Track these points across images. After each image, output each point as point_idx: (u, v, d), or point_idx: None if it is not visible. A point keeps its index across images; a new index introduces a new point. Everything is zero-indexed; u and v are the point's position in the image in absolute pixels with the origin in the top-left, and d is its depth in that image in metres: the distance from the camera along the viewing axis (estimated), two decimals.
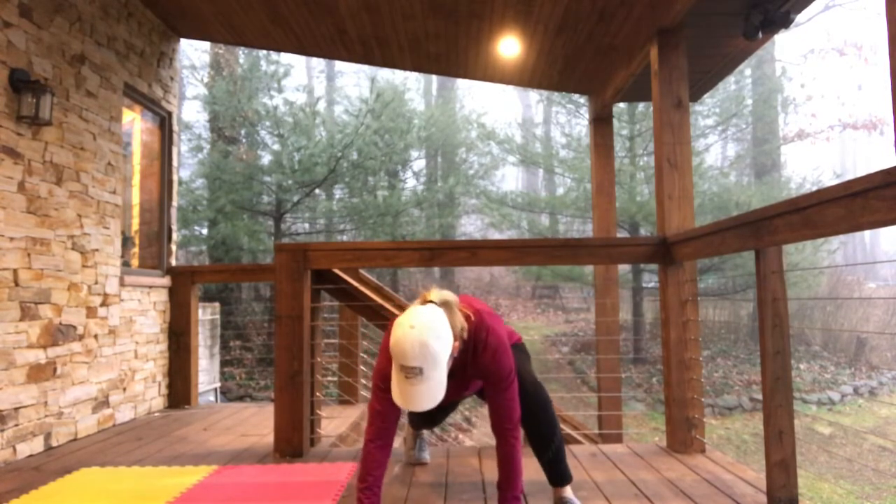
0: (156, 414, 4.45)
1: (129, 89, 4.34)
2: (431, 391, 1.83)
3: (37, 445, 3.29)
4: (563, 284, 15.13)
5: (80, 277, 3.70)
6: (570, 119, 13.86)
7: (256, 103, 10.72)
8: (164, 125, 4.89)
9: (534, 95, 21.33)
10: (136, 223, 4.66)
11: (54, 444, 3.43)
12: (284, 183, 10.26)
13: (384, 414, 2.06)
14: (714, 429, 8.94)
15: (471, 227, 18.92)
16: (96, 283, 3.87)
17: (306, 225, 12.61)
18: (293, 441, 3.14)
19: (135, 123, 4.68)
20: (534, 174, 21.72)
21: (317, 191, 11.14)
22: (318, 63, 20.93)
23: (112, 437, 3.67)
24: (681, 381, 3.08)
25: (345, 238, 12.38)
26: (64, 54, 3.61)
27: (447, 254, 3.26)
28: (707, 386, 9.96)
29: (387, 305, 3.65)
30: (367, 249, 3.28)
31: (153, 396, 4.52)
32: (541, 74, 5.01)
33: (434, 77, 18.45)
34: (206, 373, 6.20)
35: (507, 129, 14.04)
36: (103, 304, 3.93)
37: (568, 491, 2.32)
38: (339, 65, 20.53)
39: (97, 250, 3.88)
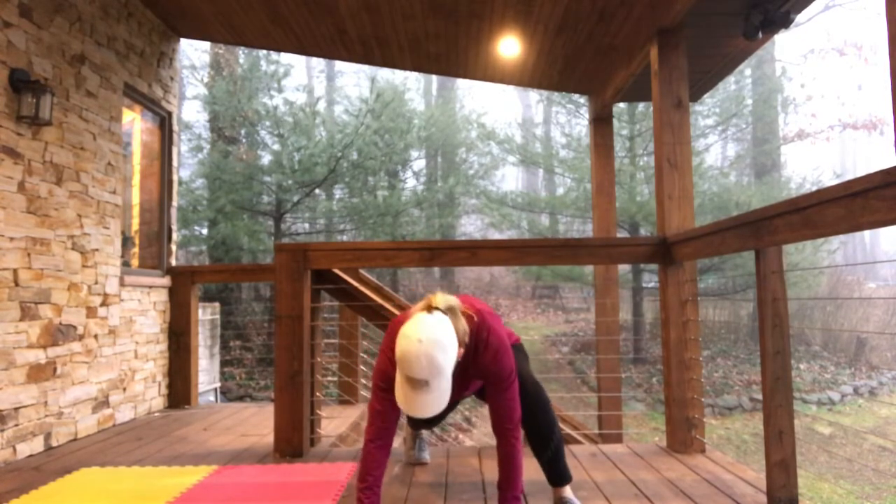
0: (156, 414, 4.45)
1: (129, 89, 4.34)
2: (436, 400, 1.85)
3: (37, 445, 3.29)
4: (563, 284, 15.13)
5: (80, 277, 3.70)
6: (570, 119, 13.86)
7: (256, 103, 10.72)
8: (164, 125, 4.89)
9: (534, 95, 21.33)
10: (136, 223, 4.66)
11: (54, 444, 3.43)
12: (284, 183, 10.27)
13: (384, 414, 2.06)
14: (714, 429, 8.94)
15: (471, 227, 18.92)
16: (96, 283, 3.87)
17: (306, 225, 12.61)
18: (293, 441, 3.14)
19: (135, 123, 4.68)
20: (534, 174, 21.72)
21: (317, 191, 11.14)
22: (318, 63, 20.93)
23: (112, 437, 3.67)
24: (681, 381, 3.08)
25: (345, 238, 12.38)
26: (64, 54, 3.61)
27: (447, 254, 3.26)
28: (707, 386, 9.96)
29: (387, 305, 3.65)
30: (367, 249, 3.28)
31: (153, 396, 4.52)
32: (541, 74, 5.01)
33: (434, 77, 18.45)
34: (206, 373, 6.20)
35: (507, 129, 14.04)
36: (103, 304, 3.93)
37: (568, 491, 2.32)
38: (339, 65, 20.54)
39: (97, 250, 3.88)
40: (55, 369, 3.45)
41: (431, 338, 1.82)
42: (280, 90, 10.99)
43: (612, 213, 4.81)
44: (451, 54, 4.78)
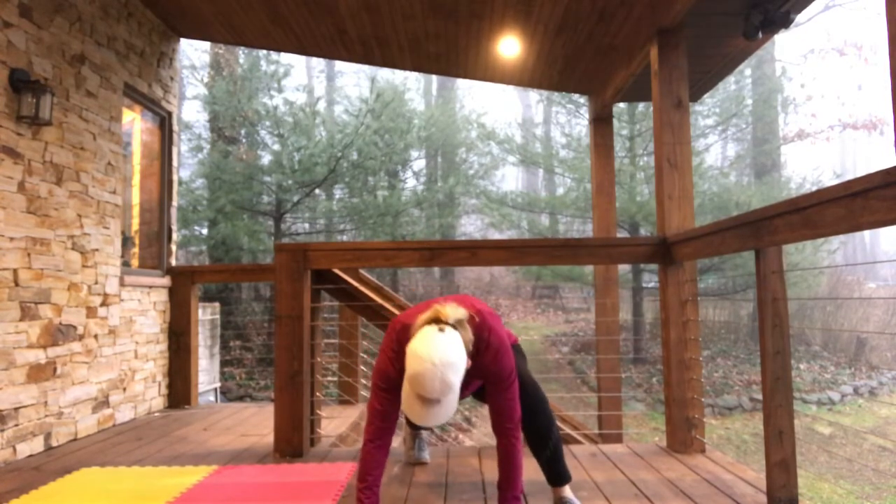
0: (156, 414, 4.45)
1: (129, 89, 4.34)
2: (446, 412, 1.87)
3: (37, 445, 3.29)
4: (563, 284, 15.14)
5: (80, 277, 3.70)
6: (570, 119, 13.86)
7: (256, 103, 10.72)
8: (164, 125, 4.89)
9: (534, 95, 21.33)
10: (136, 223, 4.66)
11: (54, 444, 3.43)
12: (284, 183, 10.27)
13: (384, 414, 2.06)
14: (714, 429, 8.94)
15: (471, 227, 18.92)
16: (96, 283, 3.87)
17: (306, 225, 12.62)
18: (293, 441, 3.14)
19: (135, 123, 4.68)
20: (534, 174, 21.72)
21: (317, 191, 11.14)
22: (318, 63, 20.93)
23: (112, 437, 3.67)
24: (681, 381, 3.08)
25: (345, 238, 12.38)
26: (64, 54, 3.61)
27: (447, 254, 3.26)
28: (707, 386, 9.96)
29: (387, 305, 3.65)
30: (367, 249, 3.28)
31: (153, 396, 4.52)
32: (541, 74, 5.01)
33: (434, 77, 18.45)
34: (206, 373, 6.20)
35: (507, 129, 14.04)
36: (103, 304, 3.93)
37: (567, 491, 2.32)
38: (339, 65, 20.54)
39: (97, 250, 3.88)
40: (55, 369, 3.45)
41: (446, 361, 1.82)
42: (280, 90, 10.99)
43: (612, 213, 4.81)
44: (451, 54, 4.78)
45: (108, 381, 3.97)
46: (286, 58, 11.21)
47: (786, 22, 3.37)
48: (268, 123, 10.93)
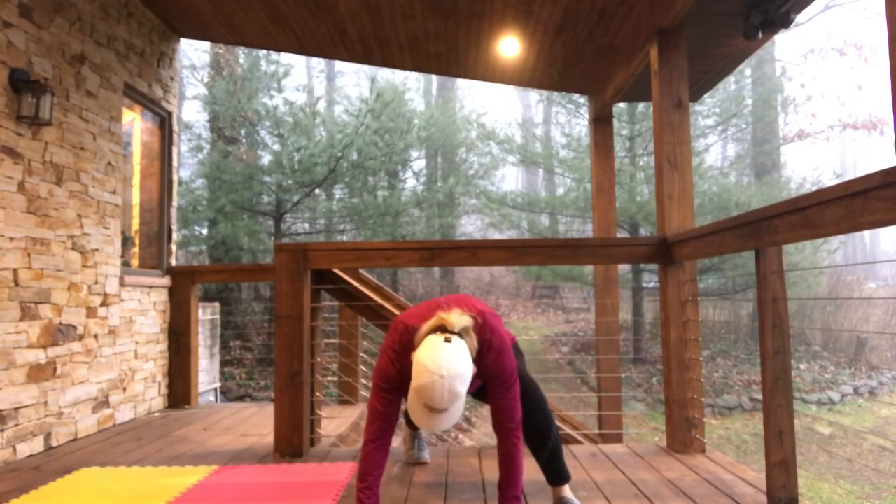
0: (156, 414, 4.45)
1: (129, 89, 4.34)
2: (452, 418, 1.89)
3: (37, 445, 3.29)
4: (563, 284, 15.13)
5: (80, 277, 3.70)
6: (570, 119, 13.87)
7: (256, 103, 10.72)
8: (164, 125, 4.89)
9: (534, 95, 21.33)
10: (136, 223, 4.66)
11: (54, 444, 3.43)
12: (284, 183, 10.27)
13: (384, 414, 2.06)
14: (714, 429, 8.94)
15: (471, 227, 18.92)
16: (96, 283, 3.87)
17: (306, 225, 12.62)
18: (293, 441, 3.14)
19: (135, 123, 4.68)
20: (534, 174, 21.72)
21: (317, 191, 11.14)
22: (318, 63, 20.93)
23: (112, 437, 3.67)
24: (681, 381, 3.08)
25: (345, 238, 12.38)
26: (64, 54, 3.61)
27: (447, 254, 3.26)
28: (707, 386, 9.96)
29: (387, 305, 3.65)
30: (367, 249, 3.28)
31: (153, 396, 4.52)
32: (541, 74, 5.01)
33: (434, 77, 18.45)
34: (206, 373, 6.20)
35: (507, 129, 14.05)
36: (103, 304, 3.93)
37: (567, 490, 2.32)
38: (339, 65, 20.54)
39: (97, 250, 3.88)
40: (55, 369, 3.45)
41: (454, 373, 1.83)
42: (280, 90, 10.99)
43: (612, 213, 4.81)
44: (451, 54, 4.78)
45: (108, 381, 3.97)
46: (286, 58, 11.22)
47: (786, 22, 3.37)
48: (268, 123, 10.94)
